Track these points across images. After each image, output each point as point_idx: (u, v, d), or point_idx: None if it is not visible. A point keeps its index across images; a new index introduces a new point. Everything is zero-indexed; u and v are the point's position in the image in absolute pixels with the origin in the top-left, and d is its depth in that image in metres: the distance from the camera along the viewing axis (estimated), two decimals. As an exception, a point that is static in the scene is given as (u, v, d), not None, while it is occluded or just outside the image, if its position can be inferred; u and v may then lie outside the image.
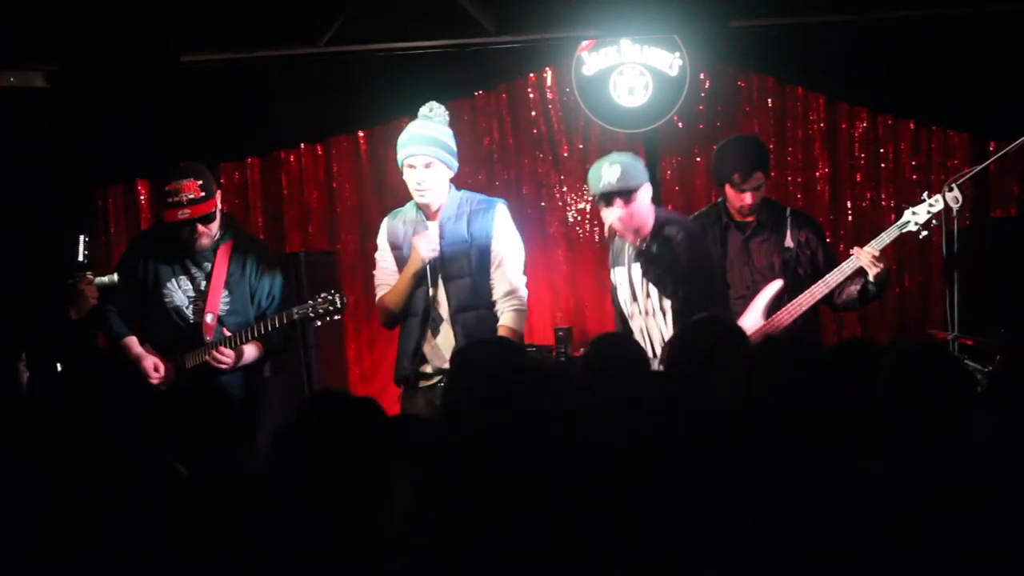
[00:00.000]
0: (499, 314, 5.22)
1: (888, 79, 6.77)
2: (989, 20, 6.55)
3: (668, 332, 5.13)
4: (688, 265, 5.13)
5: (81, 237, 5.32)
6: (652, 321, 5.22)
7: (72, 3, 6.30)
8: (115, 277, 5.30)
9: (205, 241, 5.33)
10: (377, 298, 5.40)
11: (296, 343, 6.20)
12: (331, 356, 6.84)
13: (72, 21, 6.31)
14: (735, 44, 6.80)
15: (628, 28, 6.74)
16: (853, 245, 6.55)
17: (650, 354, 5.24)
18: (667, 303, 5.16)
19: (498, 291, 5.24)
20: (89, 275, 5.25)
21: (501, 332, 5.17)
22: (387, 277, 5.35)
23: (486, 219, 5.25)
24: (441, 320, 5.21)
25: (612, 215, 5.16)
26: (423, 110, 5.32)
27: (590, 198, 5.38)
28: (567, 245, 7.29)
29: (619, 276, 5.31)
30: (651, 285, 5.19)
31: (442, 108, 5.32)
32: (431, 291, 5.19)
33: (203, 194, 5.24)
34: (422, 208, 5.27)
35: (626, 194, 5.11)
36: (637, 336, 5.20)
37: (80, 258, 5.28)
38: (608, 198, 5.14)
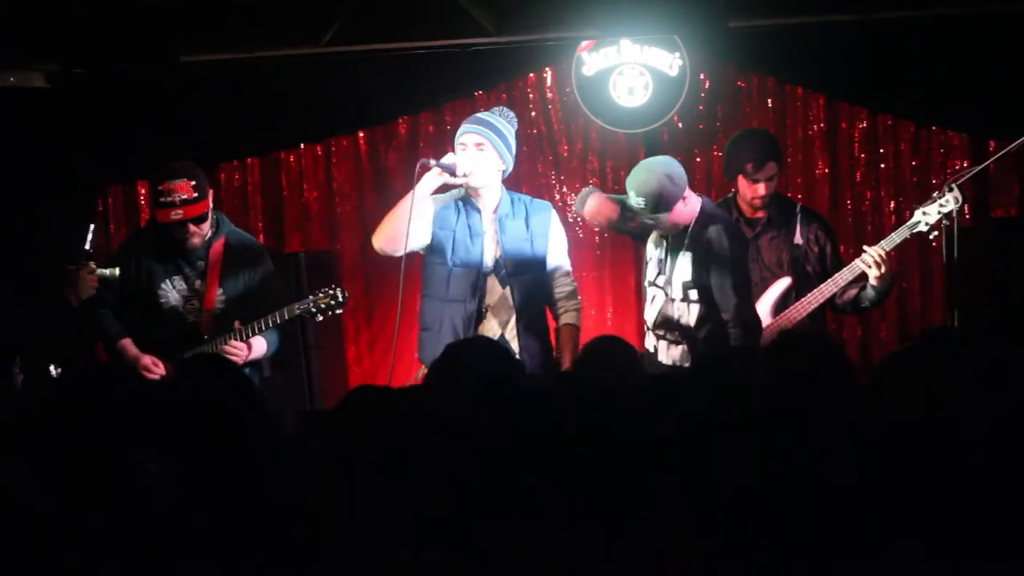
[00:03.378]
0: (563, 309, 5.32)
1: (888, 79, 6.76)
2: (989, 20, 6.55)
3: (690, 320, 5.12)
4: (731, 258, 5.11)
5: (91, 226, 5.36)
6: (673, 306, 5.19)
7: (72, 3, 6.30)
8: (116, 271, 5.31)
9: (196, 241, 5.34)
10: None
11: (296, 343, 6.20)
12: (331, 357, 6.84)
13: (72, 21, 6.32)
14: (735, 44, 6.79)
15: (628, 28, 6.74)
16: (853, 245, 6.58)
17: (655, 339, 5.22)
18: (693, 293, 5.14)
19: (562, 291, 5.34)
20: (92, 264, 5.27)
21: (566, 331, 5.29)
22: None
23: (543, 219, 5.34)
24: (487, 310, 5.22)
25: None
26: (494, 109, 5.42)
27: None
28: (568, 245, 7.27)
29: (651, 252, 5.32)
30: (676, 272, 5.16)
31: (511, 113, 5.39)
32: (485, 246, 5.22)
33: (196, 195, 5.25)
34: (470, 192, 5.29)
35: (658, 221, 5.09)
36: (649, 313, 5.26)
37: (87, 246, 5.30)
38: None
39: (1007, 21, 6.51)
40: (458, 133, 5.33)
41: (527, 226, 5.30)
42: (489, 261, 5.24)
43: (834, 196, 7.05)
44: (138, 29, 6.38)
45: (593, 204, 5.24)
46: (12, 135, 6.74)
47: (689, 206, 5.09)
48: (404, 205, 5.16)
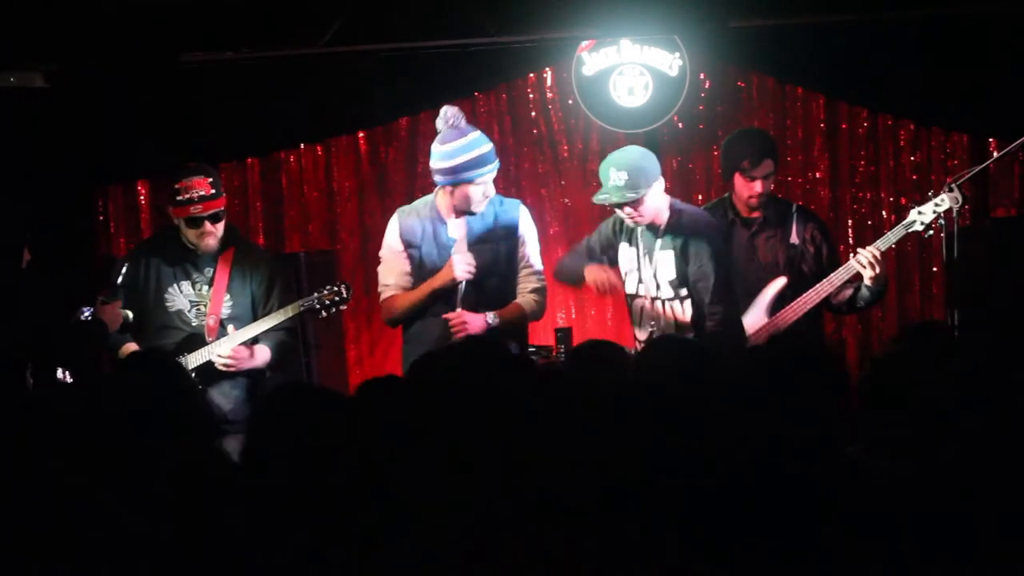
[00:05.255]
0: (519, 296, 5.26)
1: (888, 79, 6.76)
2: (989, 20, 6.55)
3: (685, 317, 5.11)
4: (712, 246, 5.13)
5: (126, 264, 5.42)
6: (665, 309, 5.17)
7: (72, 3, 6.30)
8: (130, 315, 5.34)
9: (211, 241, 5.37)
10: (384, 297, 5.37)
11: (296, 345, 6.21)
12: (331, 358, 6.84)
13: (72, 21, 6.31)
14: (735, 44, 6.80)
15: (628, 28, 6.74)
16: (852, 245, 6.59)
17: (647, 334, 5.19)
18: (683, 290, 5.13)
19: (527, 286, 5.28)
20: (119, 301, 5.32)
21: (513, 305, 5.22)
22: (398, 279, 5.31)
23: (512, 218, 5.29)
24: None
25: (623, 215, 5.17)
26: (449, 121, 5.23)
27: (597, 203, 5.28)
28: (567, 245, 7.27)
29: (624, 266, 5.29)
30: (661, 272, 5.15)
31: (459, 113, 5.27)
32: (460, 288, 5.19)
33: (213, 191, 5.33)
34: (439, 207, 5.27)
35: (633, 202, 5.08)
36: (637, 314, 5.22)
37: (119, 280, 5.36)
38: (616, 205, 5.13)
39: (1007, 21, 6.51)
40: (477, 168, 5.17)
41: (495, 227, 5.25)
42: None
43: (834, 196, 7.05)
44: (138, 29, 6.38)
45: (595, 273, 5.24)
46: (12, 135, 6.74)
47: (662, 196, 5.13)
48: (418, 302, 5.21)
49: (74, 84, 6.65)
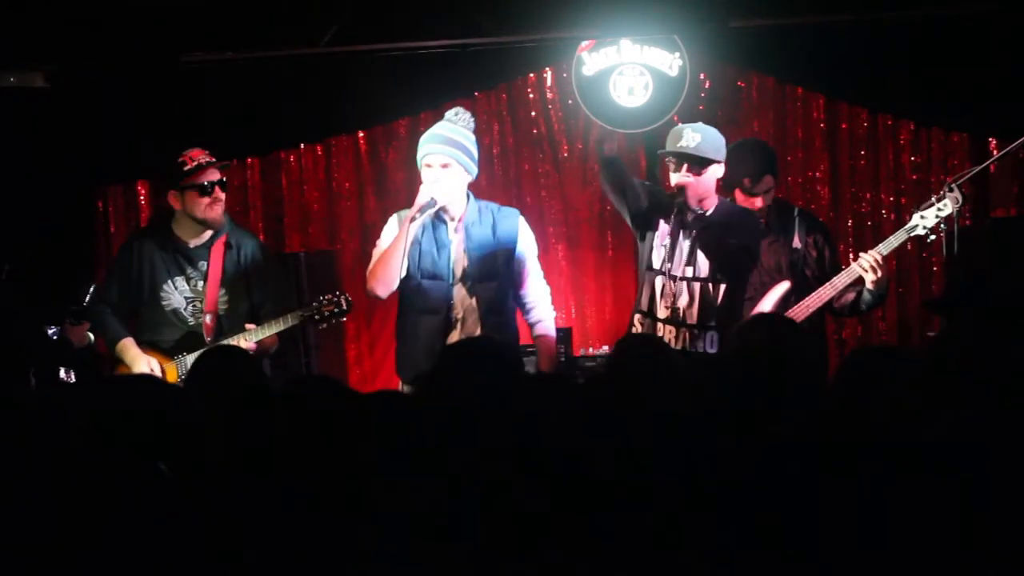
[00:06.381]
0: (538, 319, 5.33)
1: (888, 79, 6.76)
2: (989, 20, 6.54)
3: (715, 300, 5.12)
4: (752, 247, 5.18)
5: (94, 287, 5.50)
6: (694, 289, 5.14)
7: (72, 3, 6.30)
8: (92, 337, 5.45)
9: (219, 210, 5.40)
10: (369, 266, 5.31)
11: (296, 343, 6.22)
12: (331, 357, 6.84)
13: (72, 21, 6.32)
14: (735, 44, 6.80)
15: (628, 28, 6.74)
16: (852, 245, 6.59)
17: (664, 313, 5.18)
18: (720, 273, 5.13)
19: (533, 298, 5.33)
20: (86, 324, 5.42)
21: (542, 342, 5.33)
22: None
23: (511, 226, 5.29)
24: (456, 321, 5.19)
25: (678, 177, 5.14)
26: (448, 114, 5.31)
27: (663, 154, 5.26)
28: (567, 245, 7.29)
29: (658, 238, 5.24)
30: (699, 254, 5.12)
31: (468, 114, 5.31)
32: (452, 256, 5.17)
33: (214, 159, 5.38)
34: (440, 209, 5.24)
35: (698, 162, 5.08)
36: (655, 290, 5.19)
37: (85, 303, 5.45)
38: (679, 160, 5.12)
39: (1007, 21, 6.50)
40: (421, 152, 5.23)
41: (494, 233, 5.25)
42: (456, 271, 5.20)
43: (834, 196, 7.06)
44: (138, 29, 6.38)
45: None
46: (12, 135, 6.74)
47: (713, 186, 5.13)
48: (395, 251, 5.12)
49: (74, 84, 6.65)
